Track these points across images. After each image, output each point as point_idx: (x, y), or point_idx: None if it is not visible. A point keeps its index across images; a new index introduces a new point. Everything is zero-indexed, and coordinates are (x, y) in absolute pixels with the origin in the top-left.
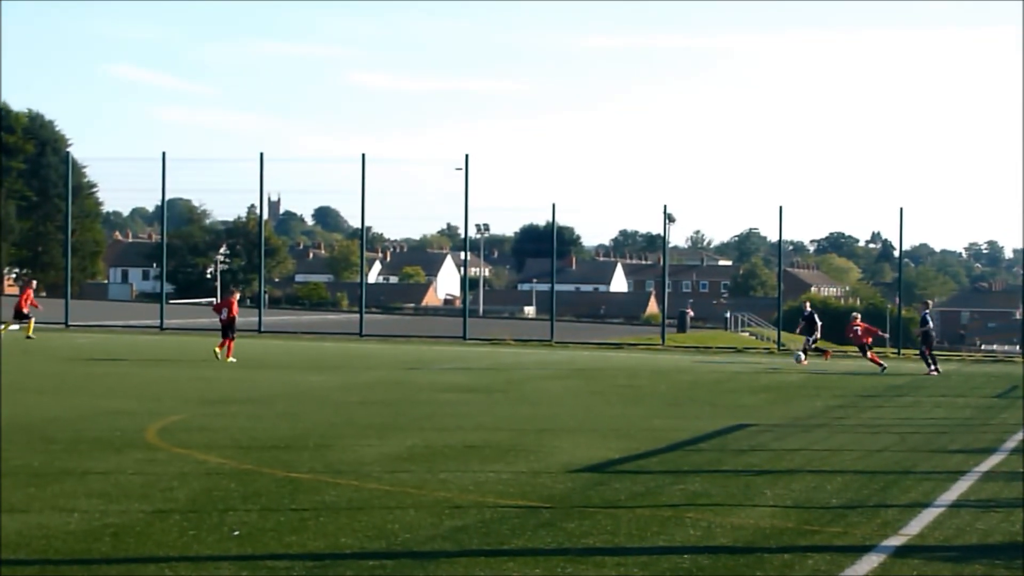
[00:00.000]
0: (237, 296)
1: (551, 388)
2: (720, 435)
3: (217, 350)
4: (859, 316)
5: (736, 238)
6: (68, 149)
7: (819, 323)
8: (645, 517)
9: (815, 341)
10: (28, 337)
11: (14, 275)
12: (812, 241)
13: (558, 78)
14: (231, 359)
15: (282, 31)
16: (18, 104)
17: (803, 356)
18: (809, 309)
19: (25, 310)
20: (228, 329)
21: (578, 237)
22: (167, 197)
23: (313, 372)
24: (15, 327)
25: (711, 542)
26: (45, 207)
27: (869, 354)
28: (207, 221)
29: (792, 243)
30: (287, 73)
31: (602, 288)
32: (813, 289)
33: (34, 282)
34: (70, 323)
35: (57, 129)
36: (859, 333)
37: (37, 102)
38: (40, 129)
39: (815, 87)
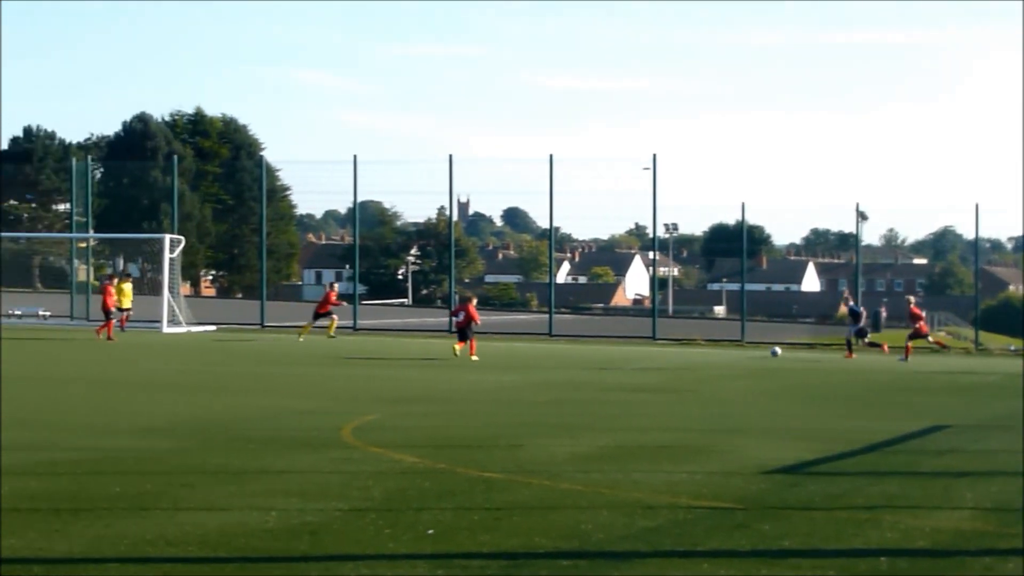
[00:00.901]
0: (474, 302)
1: (742, 388)
2: (917, 436)
3: (457, 347)
4: (913, 301)
5: (931, 236)
6: (262, 153)
7: (864, 316)
8: (841, 519)
9: (861, 334)
10: (331, 336)
11: (210, 277)
12: (1010, 239)
13: (742, 76)
14: (474, 357)
15: (464, 34)
16: (213, 109)
17: (851, 347)
18: (852, 303)
19: (327, 309)
20: (466, 331)
21: (768, 236)
22: (359, 199)
23: (504, 372)
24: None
25: (909, 544)
26: (240, 210)
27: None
28: (398, 223)
29: (989, 241)
30: (473, 75)
31: (793, 287)
32: (1012, 287)
33: (335, 284)
34: (266, 323)
35: (251, 133)
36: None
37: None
38: (234, 134)
39: (1012, 85)
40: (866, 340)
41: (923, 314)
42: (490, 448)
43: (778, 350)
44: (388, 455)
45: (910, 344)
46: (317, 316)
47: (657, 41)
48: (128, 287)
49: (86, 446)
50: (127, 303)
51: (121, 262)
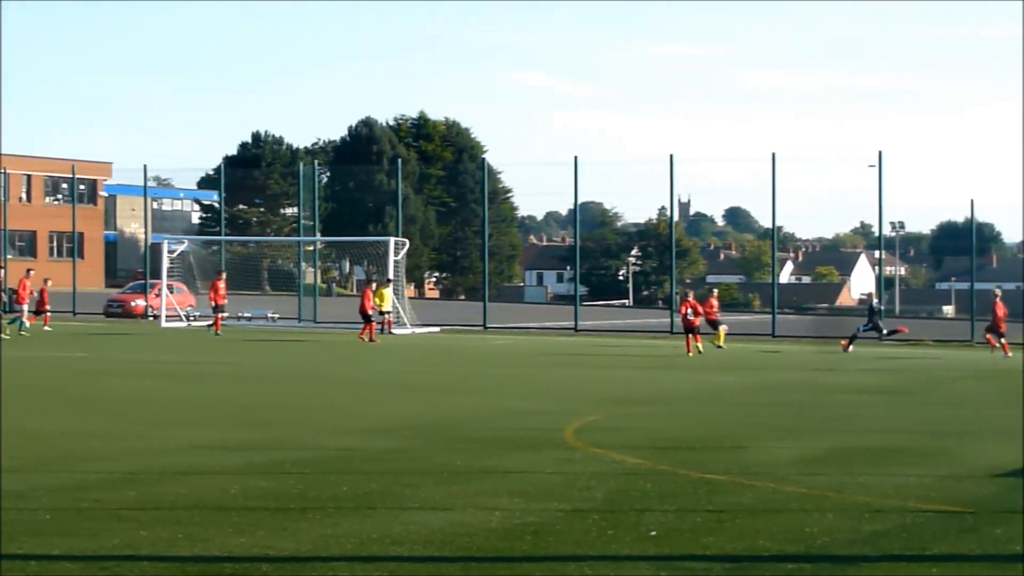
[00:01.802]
0: (716, 300)
1: (972, 389)
2: None
3: (698, 344)
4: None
5: None
6: (484, 156)
7: (877, 313)
8: None
9: (872, 329)
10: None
11: (434, 279)
12: None
13: (970, 70)
14: (719, 344)
15: (686, 33)
16: (436, 113)
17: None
18: (872, 302)
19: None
20: (695, 328)
21: (998, 233)
22: (580, 200)
23: (726, 373)
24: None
25: None
26: (463, 212)
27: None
28: (619, 224)
29: None
30: (695, 74)
31: None
32: None
33: (373, 283)
34: (488, 325)
35: (473, 136)
36: (998, 316)
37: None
38: (457, 137)
39: None
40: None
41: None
42: (713, 450)
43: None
44: (610, 456)
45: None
46: (366, 317)
47: (887, 38)
48: (388, 292)
49: (314, 445)
50: (387, 306)
51: (347, 265)
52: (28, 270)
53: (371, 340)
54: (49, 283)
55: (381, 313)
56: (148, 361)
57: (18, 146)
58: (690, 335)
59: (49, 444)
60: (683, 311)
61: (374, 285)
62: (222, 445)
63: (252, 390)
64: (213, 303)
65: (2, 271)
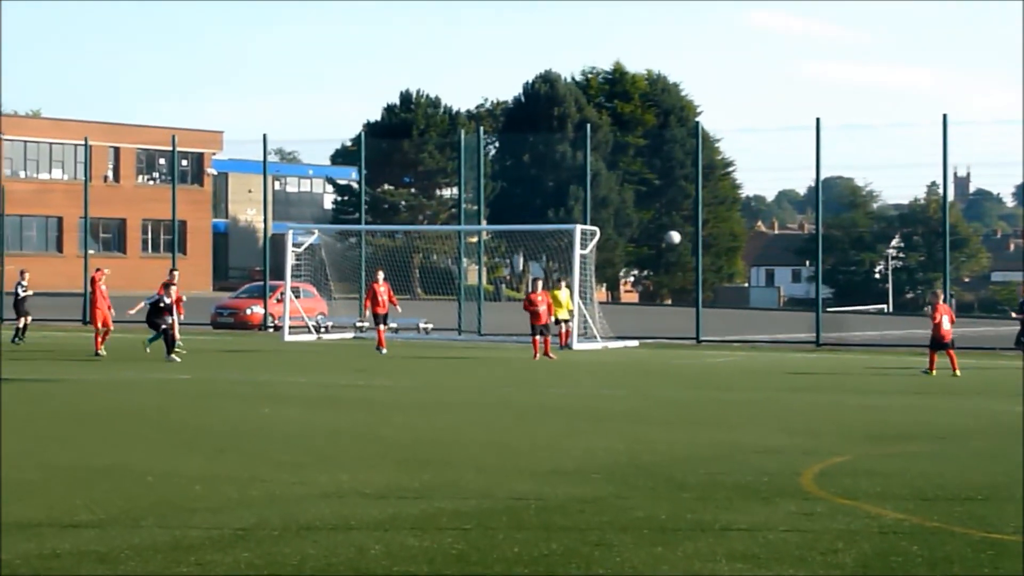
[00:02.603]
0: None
1: None
2: None
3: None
4: None
5: None
6: (697, 119)
7: None
8: None
9: None
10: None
11: (631, 279)
12: None
13: None
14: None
15: None
16: (635, 65)
17: None
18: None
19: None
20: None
21: None
22: (823, 176)
23: (1016, 400)
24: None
25: None
26: (669, 192)
27: None
28: (874, 205)
29: None
30: (977, 19)
31: None
32: None
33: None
34: (702, 338)
35: (683, 94)
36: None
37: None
38: (662, 95)
39: None
40: None
41: None
42: (998, 501)
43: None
44: (862, 509)
45: None
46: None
47: None
48: (563, 295)
49: (477, 492)
50: (564, 313)
51: (520, 261)
52: (98, 269)
53: (546, 355)
54: (176, 274)
55: (557, 321)
56: (267, 383)
57: (103, 111)
58: (938, 350)
59: (140, 489)
60: (937, 319)
61: (537, 283)
62: (360, 491)
63: (399, 420)
64: (371, 311)
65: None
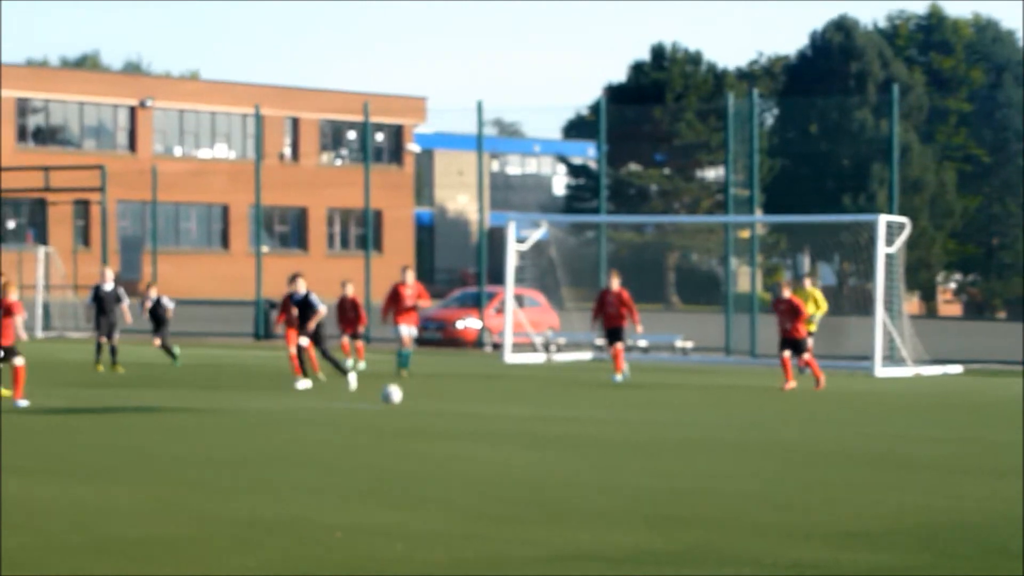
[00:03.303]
0: None
1: None
2: None
3: None
4: None
5: None
6: None
7: None
8: None
9: None
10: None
11: (953, 285)
12: None
13: None
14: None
15: None
16: (958, 7)
17: None
18: None
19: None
20: None
21: None
22: None
23: None
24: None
25: None
26: (1003, 173)
27: None
28: None
29: None
30: None
31: None
32: None
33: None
34: None
35: (1021, 45)
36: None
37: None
38: (993, 46)
39: None
40: None
41: None
42: None
43: None
44: None
45: None
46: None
47: None
48: (819, 294)
49: (751, 556)
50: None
51: (806, 261)
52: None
53: (816, 381)
54: (350, 288)
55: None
56: (482, 416)
57: (278, 72)
58: None
59: (322, 549)
60: None
61: (788, 284)
62: (603, 554)
63: (648, 465)
64: (600, 323)
65: None
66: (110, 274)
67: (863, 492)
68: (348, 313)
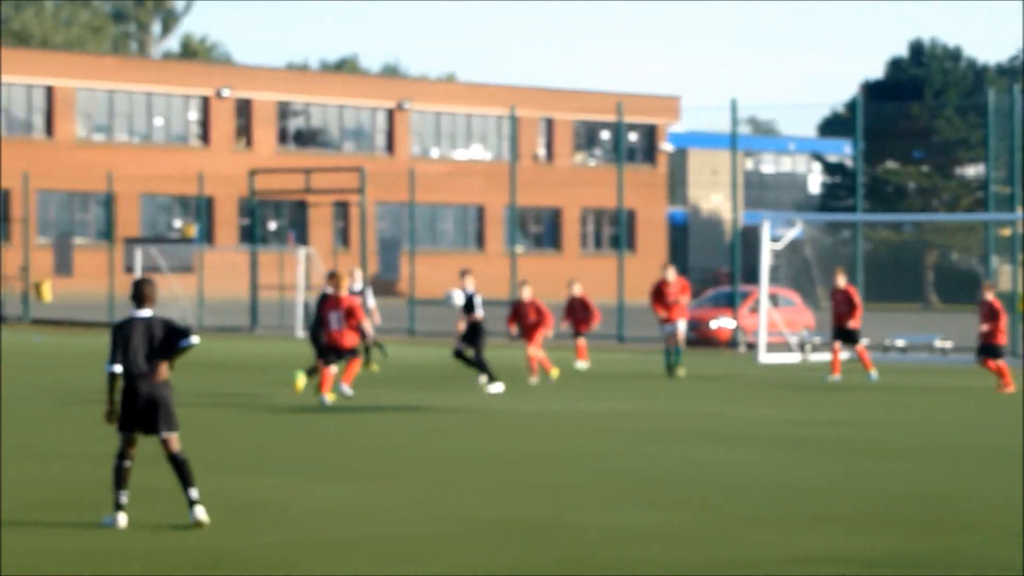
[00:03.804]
0: None
1: None
2: None
3: None
4: None
5: None
6: None
7: None
8: None
9: None
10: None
11: None
12: None
13: None
14: None
15: None
16: None
17: None
18: None
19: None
20: None
21: None
22: None
23: None
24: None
25: None
26: None
27: None
28: None
29: None
30: None
31: None
32: None
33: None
34: None
35: None
36: None
37: None
38: None
39: None
40: None
41: None
42: None
43: None
44: None
45: None
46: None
47: None
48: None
49: (1001, 560)
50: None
51: None
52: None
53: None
54: (577, 288)
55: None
56: (736, 418)
57: (532, 74)
58: None
59: (579, 549)
60: None
61: (991, 286)
62: (859, 557)
63: (899, 468)
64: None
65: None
66: (359, 274)
67: None
68: (578, 312)
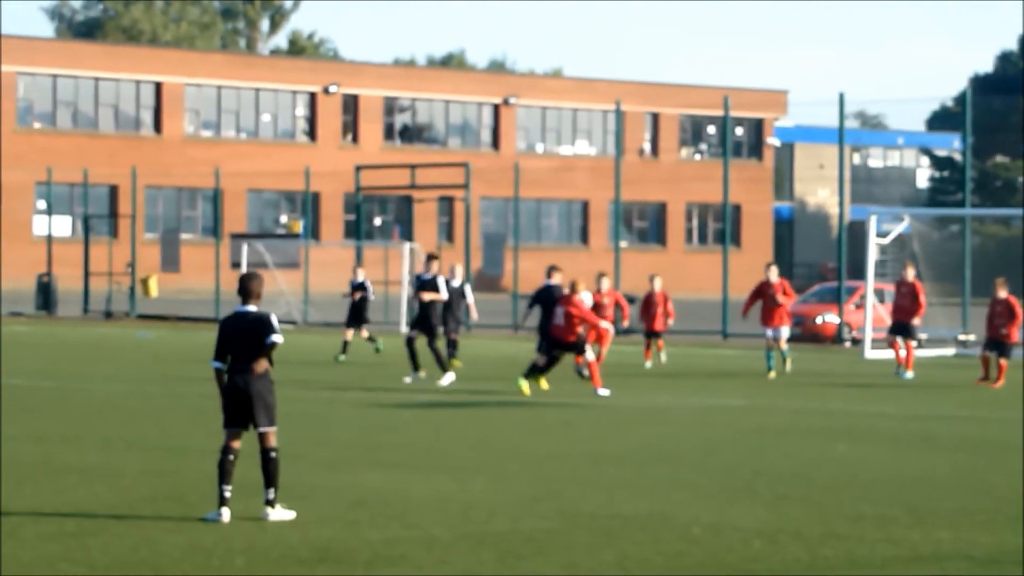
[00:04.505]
0: None
1: None
2: None
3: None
4: None
5: None
6: None
7: None
8: None
9: None
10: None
11: None
12: None
13: None
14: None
15: None
16: None
17: None
18: None
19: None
20: None
21: None
22: None
23: None
24: None
25: None
26: None
27: None
28: None
29: None
30: None
31: None
32: None
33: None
34: None
35: None
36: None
37: None
38: None
39: None
40: None
41: None
42: None
43: None
44: None
45: None
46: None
47: None
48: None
49: None
50: None
51: None
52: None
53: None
54: (659, 282)
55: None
56: (843, 413)
57: (638, 68)
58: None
59: (683, 544)
60: None
61: (1005, 284)
62: (965, 553)
63: (1012, 465)
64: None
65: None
66: (460, 270)
67: None
68: (653, 308)
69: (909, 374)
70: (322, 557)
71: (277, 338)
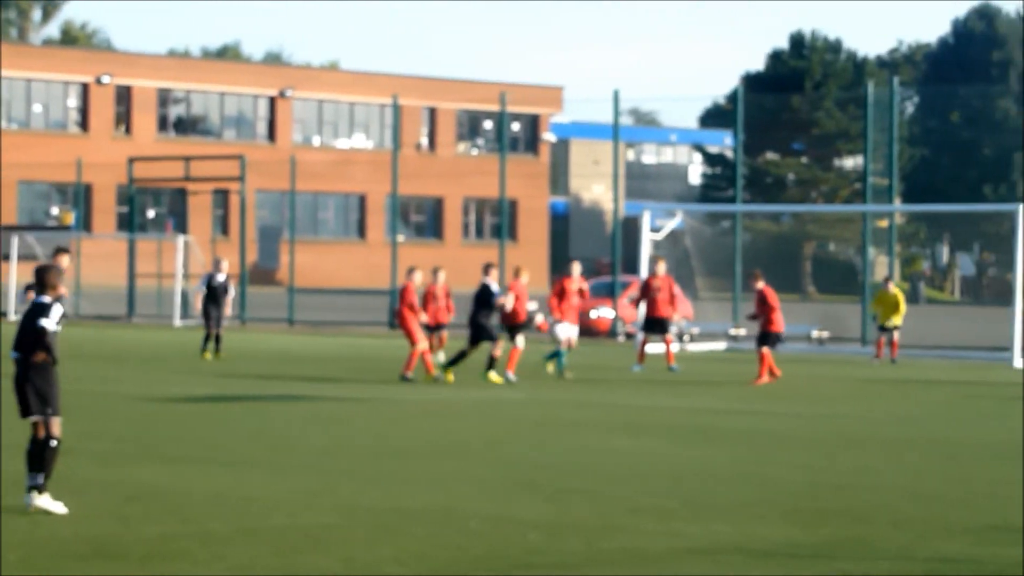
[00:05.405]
0: None
1: None
2: None
3: None
4: None
5: None
6: None
7: None
8: None
9: None
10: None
11: None
12: None
13: None
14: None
15: None
16: None
17: None
18: None
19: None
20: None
21: None
22: None
23: None
24: None
25: None
26: None
27: None
28: None
29: None
30: None
31: None
32: None
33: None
34: None
35: None
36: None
37: None
38: None
39: None
40: None
41: None
42: None
43: None
44: None
45: None
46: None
47: None
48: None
49: (891, 549)
50: (897, 319)
51: (945, 251)
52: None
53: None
54: (443, 275)
55: (884, 329)
56: (621, 407)
57: (415, 62)
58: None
59: (462, 538)
60: None
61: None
62: (743, 546)
63: (789, 459)
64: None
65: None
66: (225, 265)
67: (1006, 485)
68: (435, 302)
69: (675, 366)
70: (97, 552)
71: (45, 322)
